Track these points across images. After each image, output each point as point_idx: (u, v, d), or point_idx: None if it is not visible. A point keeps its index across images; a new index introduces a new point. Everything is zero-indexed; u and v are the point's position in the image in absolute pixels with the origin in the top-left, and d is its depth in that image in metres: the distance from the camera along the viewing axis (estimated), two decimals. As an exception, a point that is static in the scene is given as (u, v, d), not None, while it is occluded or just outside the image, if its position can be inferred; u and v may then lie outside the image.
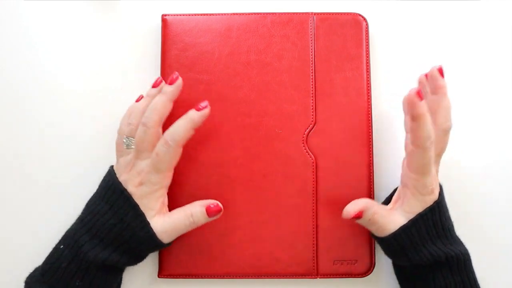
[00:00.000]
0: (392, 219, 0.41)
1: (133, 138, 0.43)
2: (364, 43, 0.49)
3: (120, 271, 0.44)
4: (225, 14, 0.49)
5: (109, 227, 0.40)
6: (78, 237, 0.41)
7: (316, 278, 0.47)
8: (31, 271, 0.43)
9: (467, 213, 0.48)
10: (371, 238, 0.47)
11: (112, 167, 0.44)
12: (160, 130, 0.43)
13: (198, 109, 0.42)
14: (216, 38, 0.48)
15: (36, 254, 0.44)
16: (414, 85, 0.50)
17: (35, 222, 0.48)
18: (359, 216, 0.42)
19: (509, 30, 0.51)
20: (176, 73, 0.44)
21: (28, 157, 0.49)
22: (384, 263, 0.48)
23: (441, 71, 0.42)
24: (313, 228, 0.47)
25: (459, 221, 0.43)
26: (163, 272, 0.47)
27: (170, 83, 0.43)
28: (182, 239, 0.46)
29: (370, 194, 0.47)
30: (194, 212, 0.43)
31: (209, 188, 0.47)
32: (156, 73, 0.49)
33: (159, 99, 0.43)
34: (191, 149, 0.47)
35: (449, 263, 0.40)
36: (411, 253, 0.41)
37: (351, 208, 0.42)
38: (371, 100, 0.48)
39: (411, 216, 0.41)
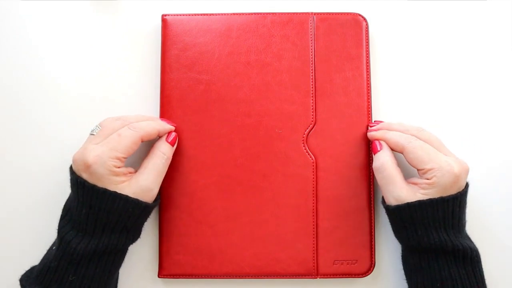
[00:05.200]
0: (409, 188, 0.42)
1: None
2: (364, 43, 0.49)
3: (116, 256, 0.42)
4: (225, 14, 0.49)
5: (84, 216, 0.41)
6: (64, 234, 0.41)
7: (316, 278, 0.47)
8: (27, 269, 0.43)
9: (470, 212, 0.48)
10: (371, 238, 0.47)
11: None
12: (133, 145, 0.43)
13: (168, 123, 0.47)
14: (216, 38, 0.48)
15: (34, 253, 0.44)
16: (413, 84, 0.50)
17: (35, 221, 0.48)
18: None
19: (510, 31, 0.51)
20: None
21: (28, 157, 0.49)
22: (384, 263, 0.48)
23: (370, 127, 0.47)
24: (313, 228, 0.47)
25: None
26: (163, 272, 0.47)
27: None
28: (182, 239, 0.47)
29: (370, 194, 0.47)
30: (162, 150, 0.45)
31: (209, 188, 0.47)
32: (156, 73, 0.49)
33: (156, 128, 0.45)
34: (191, 149, 0.47)
35: (454, 254, 0.41)
36: (421, 231, 0.41)
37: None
38: (371, 100, 0.48)
39: (433, 194, 0.41)
